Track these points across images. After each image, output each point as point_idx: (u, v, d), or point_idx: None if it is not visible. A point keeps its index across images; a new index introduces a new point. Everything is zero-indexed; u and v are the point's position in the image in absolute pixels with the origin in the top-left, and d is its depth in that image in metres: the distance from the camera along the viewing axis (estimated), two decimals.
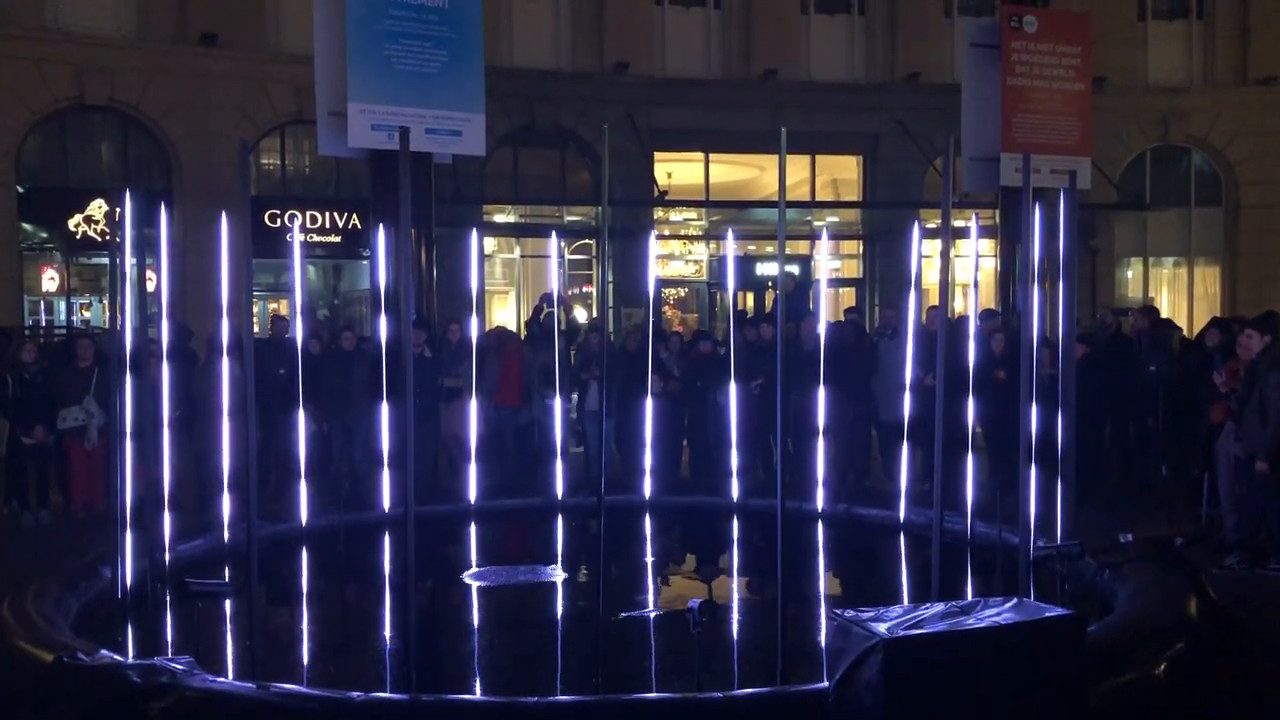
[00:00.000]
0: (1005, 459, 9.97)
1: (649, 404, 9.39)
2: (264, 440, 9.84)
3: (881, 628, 4.11)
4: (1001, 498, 7.55)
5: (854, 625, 4.19)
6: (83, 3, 16.77)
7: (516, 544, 9.33)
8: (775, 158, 5.47)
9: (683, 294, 21.49)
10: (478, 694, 5.45)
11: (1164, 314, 20.53)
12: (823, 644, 5.84)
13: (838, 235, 20.62)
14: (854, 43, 20.38)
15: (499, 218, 19.76)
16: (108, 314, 11.56)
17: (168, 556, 6.82)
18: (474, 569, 8.03)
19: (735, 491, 9.54)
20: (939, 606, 4.39)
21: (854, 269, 21.09)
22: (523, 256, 19.87)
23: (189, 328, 11.00)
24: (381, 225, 9.70)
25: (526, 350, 11.58)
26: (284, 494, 9.14)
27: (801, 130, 16.45)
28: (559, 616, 6.86)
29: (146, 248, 7.06)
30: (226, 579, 6.90)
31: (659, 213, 19.79)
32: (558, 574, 7.82)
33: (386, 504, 8.80)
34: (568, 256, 19.16)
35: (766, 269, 19.84)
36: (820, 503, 9.09)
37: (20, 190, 16.54)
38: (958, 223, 16.93)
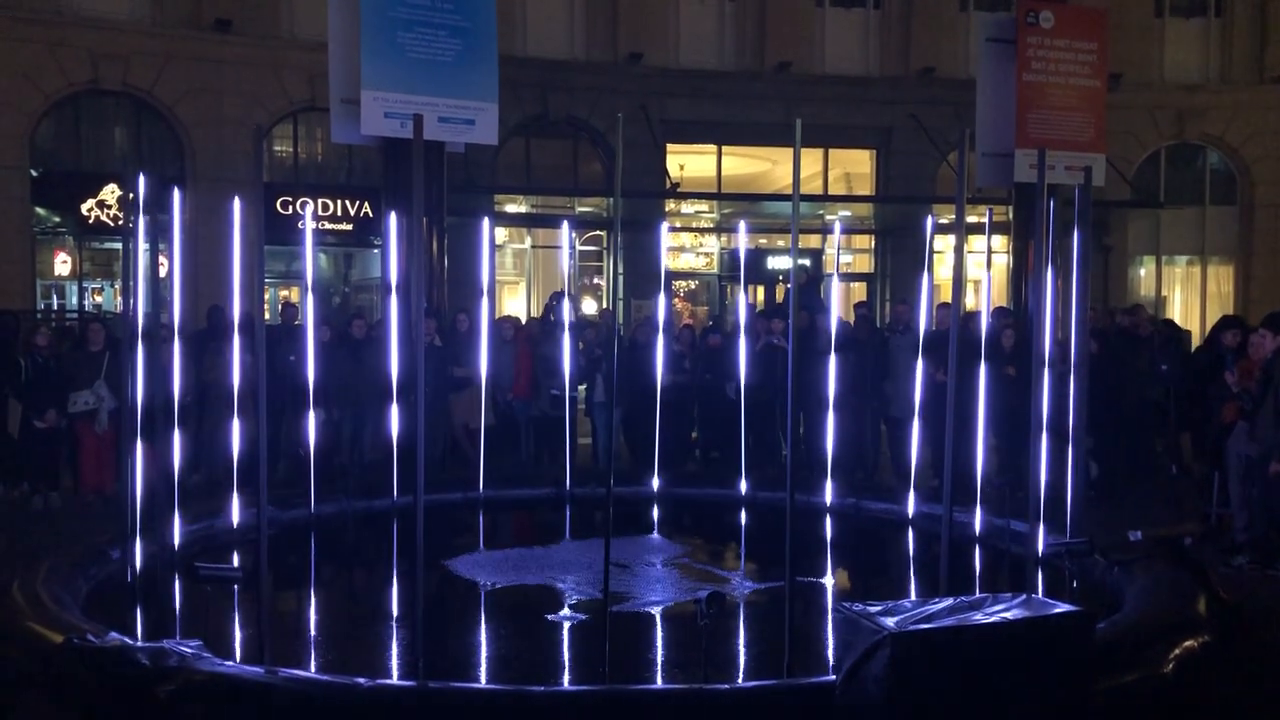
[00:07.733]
0: (1015, 455, 9.96)
1: (657, 396, 9.38)
2: (274, 427, 9.88)
3: (890, 622, 4.10)
4: (1011, 494, 7.53)
5: (862, 619, 4.18)
6: None
7: (523, 532, 9.34)
8: (788, 151, 5.45)
9: (693, 286, 21.46)
10: (484, 682, 5.46)
11: (1177, 313, 20.55)
12: (830, 637, 5.83)
13: (850, 229, 20.57)
14: (868, 36, 20.29)
15: (510, 207, 19.76)
16: (119, 298, 11.59)
17: (177, 540, 6.85)
18: (478, 553, 8.04)
19: (744, 484, 9.54)
20: (947, 601, 4.38)
21: (866, 263, 21.03)
22: (534, 247, 19.87)
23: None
24: (393, 213, 9.72)
25: (537, 341, 11.58)
26: (294, 480, 9.17)
27: (815, 124, 16.41)
28: (566, 608, 6.85)
29: (159, 233, 7.08)
30: (236, 564, 6.94)
31: (670, 205, 19.76)
32: (564, 552, 7.83)
33: (396, 492, 8.81)
34: (578, 247, 19.14)
35: (778, 262, 19.81)
36: (829, 496, 9.09)
37: (34, 174, 16.58)
38: (970, 218, 16.89)
